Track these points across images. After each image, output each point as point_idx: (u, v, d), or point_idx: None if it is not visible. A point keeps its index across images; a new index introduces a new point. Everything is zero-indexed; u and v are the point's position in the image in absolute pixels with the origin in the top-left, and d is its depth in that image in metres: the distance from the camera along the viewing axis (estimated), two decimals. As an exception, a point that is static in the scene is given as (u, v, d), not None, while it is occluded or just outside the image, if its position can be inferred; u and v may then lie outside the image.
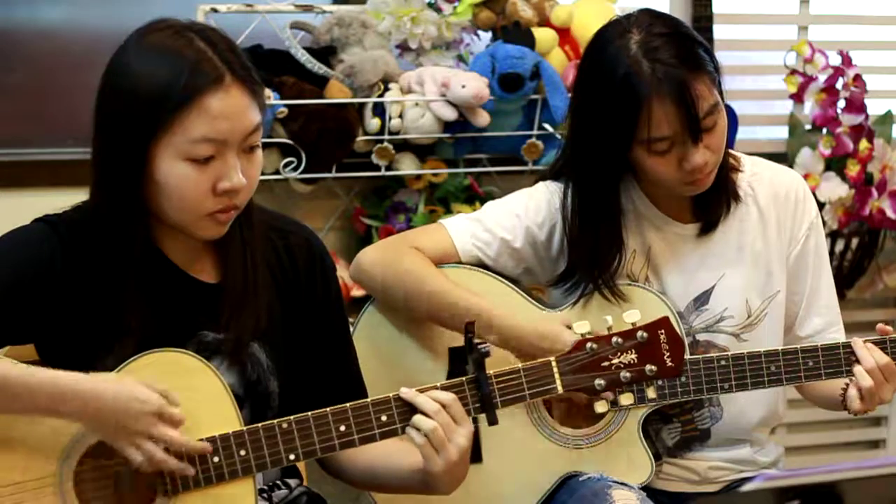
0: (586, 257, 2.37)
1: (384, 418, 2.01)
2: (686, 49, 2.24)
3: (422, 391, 2.01)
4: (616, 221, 2.38)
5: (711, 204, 2.40)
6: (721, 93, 2.30)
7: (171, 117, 1.91)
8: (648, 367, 2.04)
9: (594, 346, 2.04)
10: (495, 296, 2.41)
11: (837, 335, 2.48)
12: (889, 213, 3.47)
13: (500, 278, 2.43)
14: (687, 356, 2.28)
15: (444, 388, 2.03)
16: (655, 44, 2.23)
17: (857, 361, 2.30)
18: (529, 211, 2.44)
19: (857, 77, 3.44)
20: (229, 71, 1.93)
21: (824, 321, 2.49)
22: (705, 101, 2.23)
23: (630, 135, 2.24)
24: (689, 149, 2.25)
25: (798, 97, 3.50)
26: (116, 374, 1.94)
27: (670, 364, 2.05)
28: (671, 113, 2.22)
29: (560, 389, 2.06)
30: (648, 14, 2.31)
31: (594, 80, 2.30)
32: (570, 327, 2.20)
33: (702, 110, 2.23)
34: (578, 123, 2.37)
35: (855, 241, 3.54)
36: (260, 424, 1.98)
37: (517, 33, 3.05)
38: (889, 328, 2.34)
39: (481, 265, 2.44)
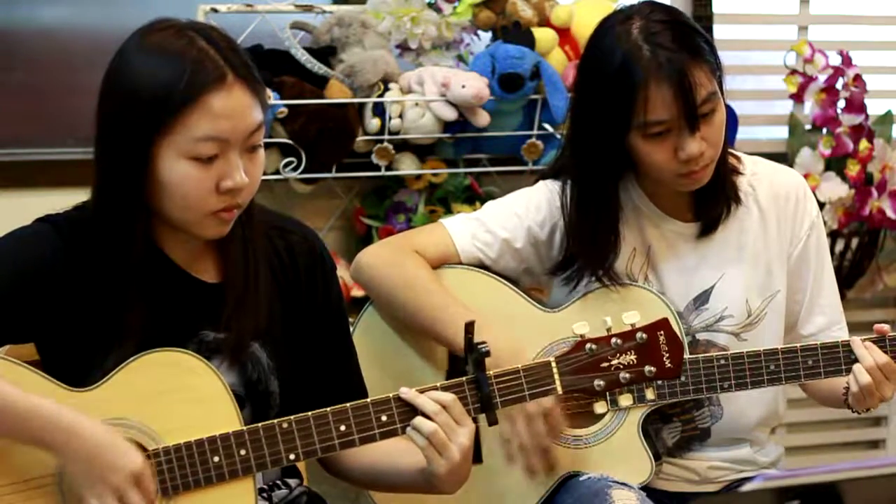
0: (583, 247, 2.38)
1: (384, 418, 2.01)
2: (686, 36, 2.26)
3: (422, 391, 2.01)
4: (613, 213, 2.38)
5: (712, 204, 2.40)
6: (721, 88, 2.30)
7: (174, 117, 1.91)
8: (647, 368, 2.04)
9: (593, 346, 2.04)
10: (495, 297, 2.42)
11: (841, 333, 2.48)
12: (889, 213, 3.47)
13: (499, 279, 2.43)
14: (686, 356, 2.28)
15: (444, 388, 2.03)
16: (655, 29, 2.25)
17: (857, 360, 2.30)
18: (530, 210, 2.44)
19: (857, 77, 3.44)
20: (231, 70, 1.94)
21: (827, 320, 2.49)
22: (703, 87, 2.24)
23: (627, 118, 2.25)
24: (685, 137, 2.25)
25: (798, 97, 3.50)
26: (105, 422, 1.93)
27: (669, 365, 2.05)
28: (668, 97, 2.22)
29: (559, 390, 2.06)
30: (650, 4, 2.33)
31: (594, 65, 2.31)
32: None
33: (699, 96, 2.23)
34: (578, 110, 2.38)
35: (855, 241, 3.54)
36: (260, 424, 1.98)
37: (517, 33, 3.04)
38: (886, 327, 2.34)
39: (482, 265, 2.44)
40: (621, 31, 2.26)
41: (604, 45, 2.29)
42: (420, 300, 2.36)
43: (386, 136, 2.98)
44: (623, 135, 2.28)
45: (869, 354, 2.29)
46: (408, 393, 2.01)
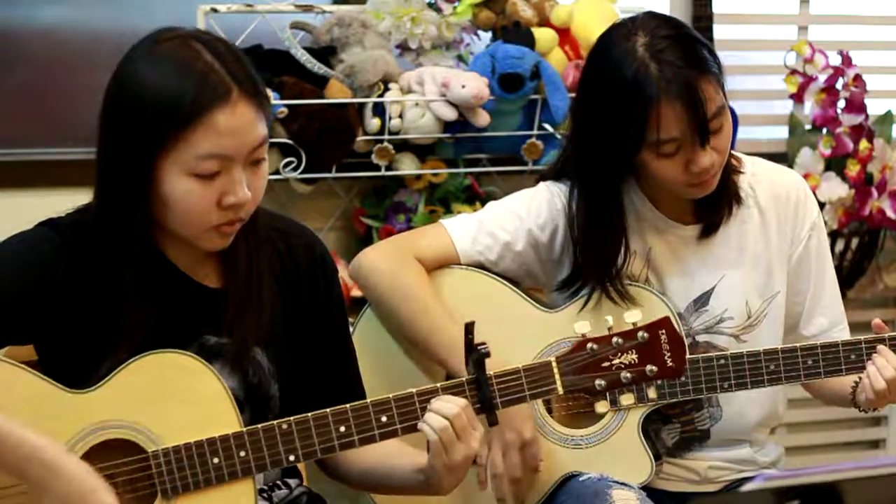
0: (594, 260, 2.37)
1: (384, 419, 2.01)
2: (692, 50, 2.25)
3: (421, 392, 2.01)
4: (622, 223, 2.38)
5: (713, 206, 2.40)
6: (724, 94, 2.30)
7: (178, 133, 1.90)
8: (649, 367, 2.04)
9: (595, 346, 2.04)
10: (495, 298, 2.41)
11: (843, 334, 2.48)
12: (889, 213, 3.47)
13: (500, 280, 2.43)
14: (686, 356, 2.28)
15: (444, 388, 2.03)
16: (661, 46, 2.23)
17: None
18: (531, 212, 2.43)
19: (857, 77, 3.44)
20: (237, 85, 1.92)
21: (829, 320, 2.50)
22: (713, 102, 2.23)
23: (640, 137, 2.23)
24: (696, 151, 2.25)
25: (798, 97, 3.50)
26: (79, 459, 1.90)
27: (671, 364, 2.05)
28: (680, 114, 2.21)
29: (560, 390, 2.06)
30: (652, 17, 2.31)
31: (600, 82, 2.30)
32: None
33: (710, 112, 2.23)
34: (584, 126, 2.36)
35: (855, 241, 3.54)
36: (260, 425, 1.98)
37: (517, 33, 3.04)
38: (884, 326, 2.35)
39: (482, 267, 2.44)
40: (627, 47, 2.24)
41: (610, 62, 2.27)
42: (418, 318, 2.35)
43: (386, 136, 2.98)
44: (635, 152, 2.27)
45: (890, 365, 2.29)
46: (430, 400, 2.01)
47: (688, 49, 2.24)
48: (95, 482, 1.87)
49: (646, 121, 2.22)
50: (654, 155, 2.26)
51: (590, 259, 2.38)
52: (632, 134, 2.24)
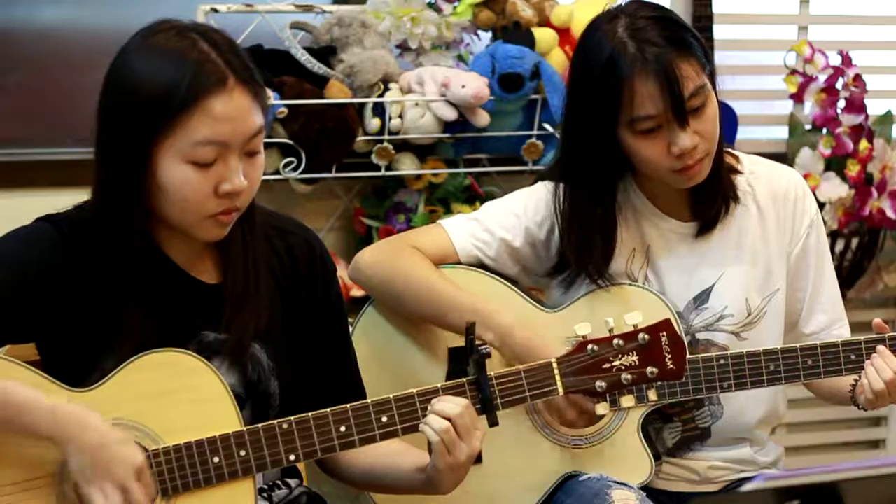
0: (575, 249, 2.37)
1: (384, 419, 2.01)
2: (672, 31, 2.26)
3: (422, 392, 2.01)
4: (607, 210, 2.37)
5: (709, 202, 2.40)
6: (714, 81, 2.30)
7: (174, 119, 1.91)
8: (649, 369, 2.04)
9: (595, 347, 2.04)
10: (494, 296, 2.42)
11: (843, 331, 2.49)
12: (889, 213, 3.47)
13: (499, 279, 2.43)
14: (686, 356, 2.28)
15: (445, 389, 2.03)
16: (641, 25, 2.25)
17: (871, 364, 2.30)
18: (529, 210, 2.44)
19: (857, 77, 3.44)
20: (232, 73, 1.93)
21: (829, 318, 2.50)
22: (690, 81, 2.24)
23: (614, 114, 2.25)
24: (675, 131, 2.25)
25: (798, 97, 3.50)
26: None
27: (671, 366, 2.05)
28: (654, 91, 2.22)
29: (561, 391, 2.06)
30: (637, 3, 2.33)
31: (582, 64, 2.32)
32: None
33: (686, 90, 2.23)
34: (569, 111, 2.38)
35: (855, 241, 3.54)
36: (260, 425, 1.98)
37: (517, 33, 3.05)
38: (885, 326, 2.35)
39: (481, 265, 2.44)
40: (608, 29, 2.27)
41: (591, 44, 2.29)
42: (424, 296, 2.35)
43: (386, 136, 2.98)
44: (612, 132, 2.28)
45: (888, 367, 2.29)
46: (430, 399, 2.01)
47: (668, 29, 2.25)
48: (121, 433, 1.90)
49: (620, 97, 2.23)
50: (632, 134, 2.27)
51: (571, 250, 2.37)
52: (608, 111, 2.25)
